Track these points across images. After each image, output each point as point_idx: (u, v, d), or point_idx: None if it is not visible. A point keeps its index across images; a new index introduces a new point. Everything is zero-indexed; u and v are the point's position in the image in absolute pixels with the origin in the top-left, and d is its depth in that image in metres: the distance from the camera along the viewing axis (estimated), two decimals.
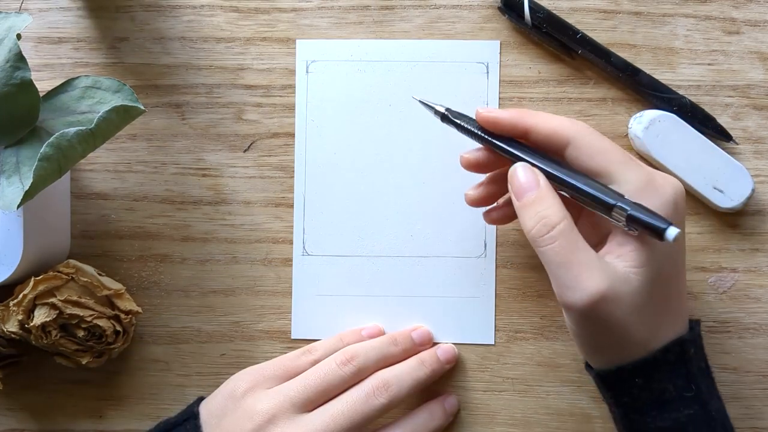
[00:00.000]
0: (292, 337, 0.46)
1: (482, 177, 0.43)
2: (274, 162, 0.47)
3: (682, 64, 0.45)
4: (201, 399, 0.43)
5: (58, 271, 0.43)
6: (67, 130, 0.37)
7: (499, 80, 0.46)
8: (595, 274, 0.35)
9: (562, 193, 0.38)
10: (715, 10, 0.45)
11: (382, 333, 0.45)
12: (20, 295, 0.42)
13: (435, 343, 0.45)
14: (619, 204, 0.35)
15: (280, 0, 0.47)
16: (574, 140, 0.37)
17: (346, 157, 0.46)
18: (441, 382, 0.45)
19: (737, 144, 0.45)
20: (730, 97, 0.45)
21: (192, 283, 0.47)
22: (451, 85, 0.46)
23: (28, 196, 0.36)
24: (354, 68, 0.46)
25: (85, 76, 0.41)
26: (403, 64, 0.46)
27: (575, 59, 0.46)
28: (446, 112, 0.41)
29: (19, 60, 0.38)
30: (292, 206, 0.46)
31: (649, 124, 0.44)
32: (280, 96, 0.47)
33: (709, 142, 0.44)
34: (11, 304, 0.42)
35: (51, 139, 0.36)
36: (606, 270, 0.35)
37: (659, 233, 0.34)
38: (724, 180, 0.44)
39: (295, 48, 0.46)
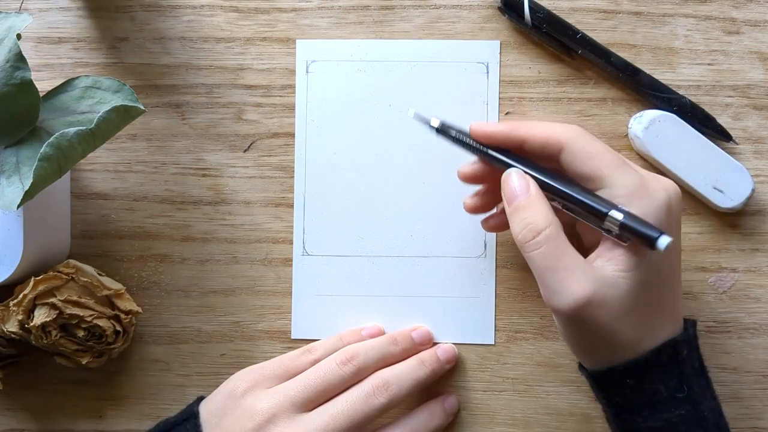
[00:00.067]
0: (292, 337, 0.46)
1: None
2: (274, 162, 0.47)
3: (682, 64, 0.45)
4: (201, 398, 0.43)
5: (58, 271, 0.43)
6: (67, 130, 0.37)
7: (499, 80, 0.46)
8: (580, 279, 0.35)
9: (555, 205, 0.38)
10: (715, 10, 0.45)
11: (382, 333, 0.45)
12: (20, 295, 0.42)
13: (435, 343, 0.45)
14: (610, 213, 0.35)
15: (280, 0, 0.47)
16: (567, 145, 0.38)
17: (346, 157, 0.46)
18: (441, 382, 0.45)
19: (737, 144, 0.45)
20: (730, 97, 0.45)
21: (192, 283, 0.47)
22: (451, 85, 0.46)
23: (28, 196, 0.36)
24: (354, 68, 0.46)
25: (85, 76, 0.41)
26: (403, 64, 0.46)
27: (575, 59, 0.46)
28: (441, 126, 0.41)
29: (19, 60, 0.38)
30: (292, 206, 0.46)
31: (649, 124, 0.44)
32: (280, 96, 0.47)
33: (709, 142, 0.44)
34: (11, 304, 0.42)
35: (51, 139, 0.36)
36: (592, 275, 0.35)
37: (651, 242, 0.34)
38: (724, 180, 0.44)
39: (295, 48, 0.46)
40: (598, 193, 0.37)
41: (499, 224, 0.43)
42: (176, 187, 0.47)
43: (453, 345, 0.45)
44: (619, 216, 0.35)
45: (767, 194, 0.45)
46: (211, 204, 0.47)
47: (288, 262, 0.46)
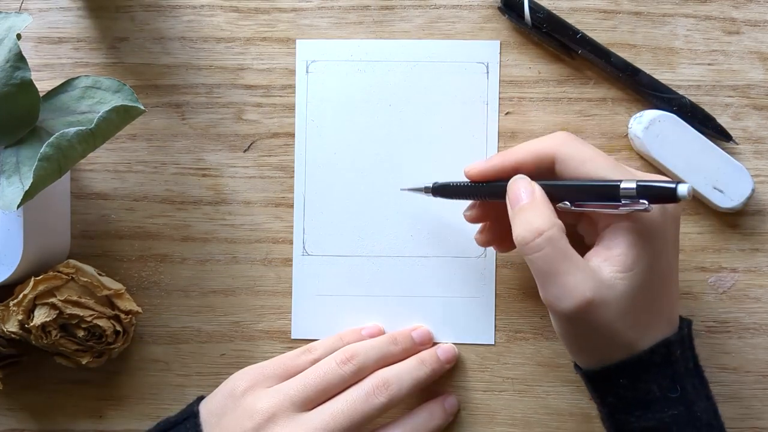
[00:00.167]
0: (292, 337, 0.46)
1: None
2: (274, 162, 0.47)
3: (682, 64, 0.45)
4: (201, 398, 0.43)
5: (58, 271, 0.43)
6: (67, 130, 0.37)
7: (499, 80, 0.46)
8: (582, 281, 0.35)
9: (560, 207, 0.38)
10: (715, 10, 0.45)
11: (382, 333, 0.45)
12: (20, 295, 0.42)
13: (435, 343, 0.45)
14: (623, 184, 0.35)
15: (280, 0, 0.47)
16: (558, 154, 0.38)
17: (346, 157, 0.46)
18: (441, 382, 0.45)
19: (737, 144, 0.45)
20: (730, 97, 0.45)
21: (192, 283, 0.47)
22: (451, 85, 0.46)
23: (28, 196, 0.36)
24: (354, 68, 0.46)
25: (85, 76, 0.41)
26: (403, 64, 0.46)
27: (575, 59, 0.46)
28: (435, 186, 0.42)
29: (19, 60, 0.38)
30: (292, 206, 0.46)
31: (649, 124, 0.44)
32: (280, 96, 0.47)
33: (709, 142, 0.44)
34: (11, 304, 0.42)
35: (51, 139, 0.36)
36: (593, 277, 0.35)
37: (672, 194, 0.34)
38: (724, 180, 0.44)
39: (295, 48, 0.46)
40: None
41: (492, 238, 0.43)
42: (176, 187, 0.47)
43: (453, 345, 0.45)
44: (632, 182, 0.35)
45: (767, 194, 0.45)
46: (211, 204, 0.47)
47: (288, 262, 0.46)
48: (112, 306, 0.44)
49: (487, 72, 0.46)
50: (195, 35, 0.47)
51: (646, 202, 0.35)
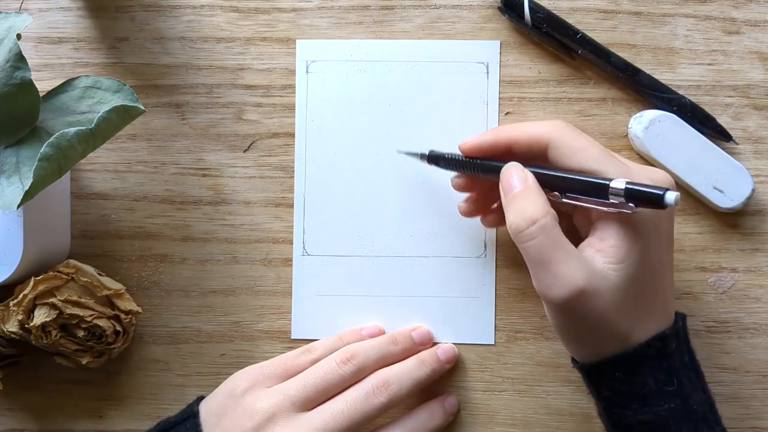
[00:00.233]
0: (292, 337, 0.46)
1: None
2: (274, 162, 0.47)
3: (682, 64, 0.45)
4: (201, 398, 0.43)
5: (58, 271, 0.43)
6: (67, 130, 0.37)
7: (499, 80, 0.46)
8: (574, 270, 0.35)
9: (554, 197, 0.38)
10: (715, 10, 0.45)
11: (382, 333, 0.45)
12: (20, 295, 0.42)
13: (435, 343, 0.45)
14: (612, 183, 0.35)
15: (280, 0, 0.47)
16: (552, 140, 0.38)
17: (346, 157, 0.46)
18: (441, 382, 0.45)
19: (737, 144, 0.45)
20: (730, 97, 0.45)
21: (192, 283, 0.47)
22: (451, 85, 0.46)
23: (28, 196, 0.36)
24: (354, 68, 0.46)
25: (85, 76, 0.41)
26: (403, 64, 0.46)
27: (575, 59, 0.46)
28: (430, 154, 0.43)
29: (19, 60, 0.38)
30: (292, 206, 0.46)
31: (649, 124, 0.44)
32: (280, 96, 0.47)
33: (709, 142, 0.44)
34: (11, 304, 0.42)
35: (51, 139, 0.36)
36: (586, 266, 0.35)
37: (659, 201, 0.34)
38: (724, 180, 0.44)
39: (295, 48, 0.46)
40: None
41: (498, 219, 0.43)
42: (176, 187, 0.47)
43: (453, 345, 0.45)
44: (622, 183, 0.35)
45: (767, 194, 0.45)
46: (211, 204, 0.47)
47: (288, 262, 0.46)
48: (112, 306, 0.44)
49: (487, 72, 0.46)
50: (195, 35, 0.47)
51: (632, 205, 0.35)
